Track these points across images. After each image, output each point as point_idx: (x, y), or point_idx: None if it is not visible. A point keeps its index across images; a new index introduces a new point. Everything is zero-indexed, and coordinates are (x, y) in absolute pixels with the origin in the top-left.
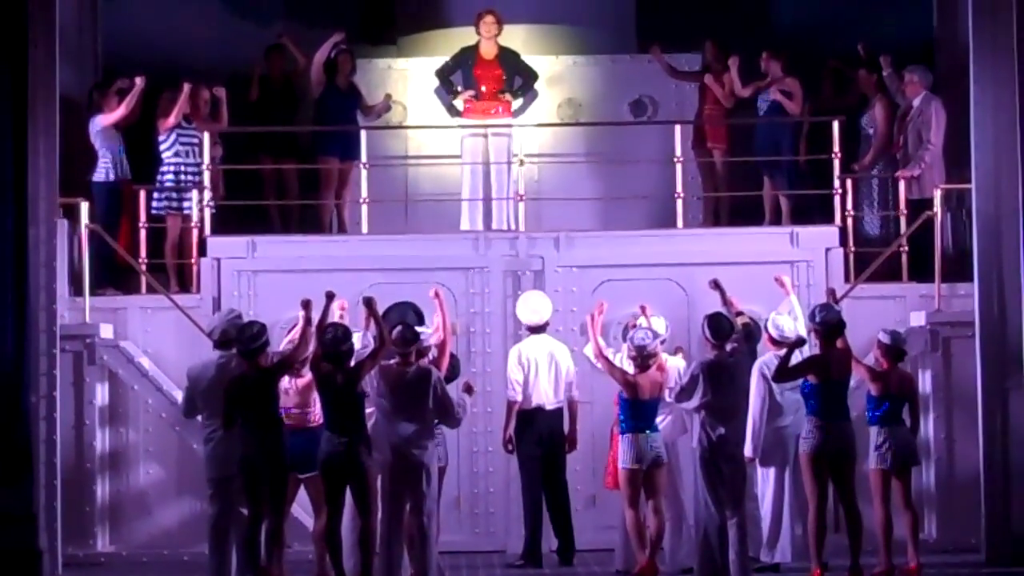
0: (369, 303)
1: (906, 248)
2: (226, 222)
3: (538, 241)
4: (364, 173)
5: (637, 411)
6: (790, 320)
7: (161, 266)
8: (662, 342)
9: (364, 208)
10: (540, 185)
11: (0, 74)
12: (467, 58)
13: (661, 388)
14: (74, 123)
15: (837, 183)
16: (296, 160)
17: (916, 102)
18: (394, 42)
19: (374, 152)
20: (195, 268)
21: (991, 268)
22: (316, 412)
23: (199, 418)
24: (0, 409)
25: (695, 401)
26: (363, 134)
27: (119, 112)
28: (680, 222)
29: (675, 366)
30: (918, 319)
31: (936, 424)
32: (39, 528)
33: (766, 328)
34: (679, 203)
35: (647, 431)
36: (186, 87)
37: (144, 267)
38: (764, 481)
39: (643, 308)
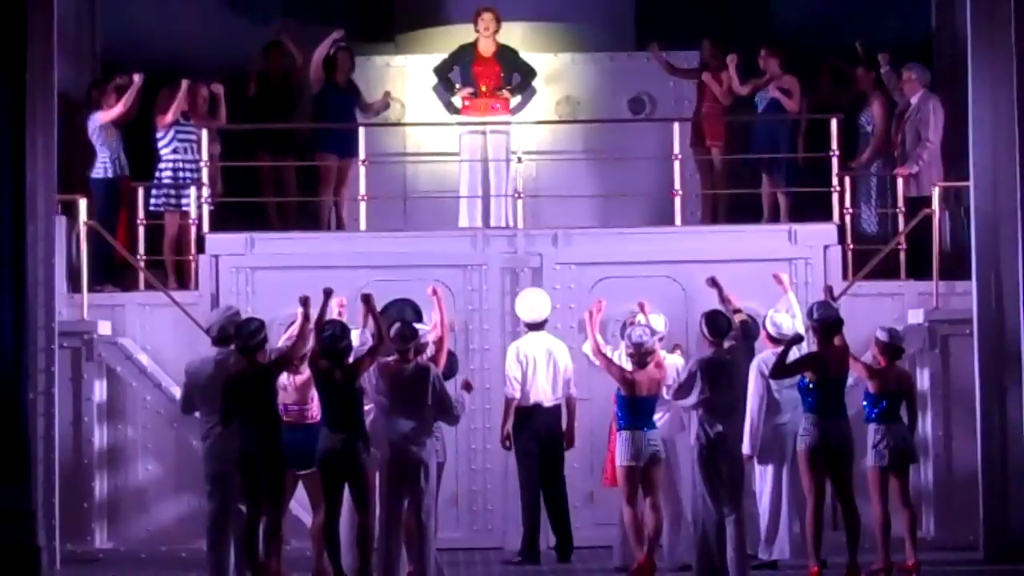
0: (367, 300)
1: (904, 246)
2: (224, 219)
3: (536, 238)
4: (362, 170)
5: (635, 408)
6: (788, 317)
7: (159, 263)
8: (660, 339)
9: (362, 205)
10: (538, 182)
11: None
12: (465, 55)
13: (659, 385)
14: (72, 120)
15: (835, 180)
16: (294, 157)
17: (914, 100)
18: (392, 39)
19: (372, 149)
20: (193, 265)
21: (989, 266)
22: (314, 409)
23: (197, 414)
24: None
25: (693, 398)
26: (361, 131)
27: (117, 109)
28: (678, 219)
29: (673, 363)
30: (916, 316)
31: (934, 421)
32: (37, 524)
33: (764, 325)
34: (677, 200)
35: (645, 428)
36: (184, 84)
37: (142, 264)
38: (762, 478)
39: (641, 305)
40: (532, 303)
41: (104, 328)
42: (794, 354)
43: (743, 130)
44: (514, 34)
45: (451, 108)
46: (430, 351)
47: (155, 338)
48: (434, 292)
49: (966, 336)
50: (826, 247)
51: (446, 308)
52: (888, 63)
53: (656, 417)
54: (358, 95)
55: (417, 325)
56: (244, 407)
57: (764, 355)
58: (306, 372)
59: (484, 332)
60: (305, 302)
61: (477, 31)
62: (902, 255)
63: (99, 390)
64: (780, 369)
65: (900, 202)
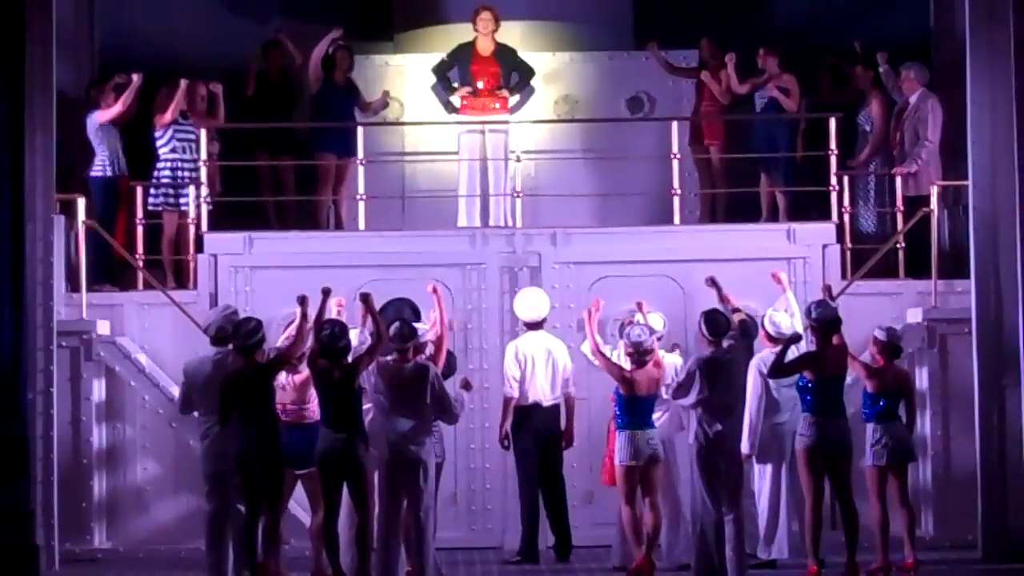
0: (366, 299)
1: (903, 245)
2: (223, 218)
3: (535, 237)
4: (361, 169)
5: (634, 408)
6: (787, 317)
7: (158, 262)
8: (659, 338)
9: (361, 204)
10: (537, 181)
11: None
12: (464, 54)
13: (658, 385)
14: (71, 119)
15: (834, 180)
16: (293, 156)
17: (913, 99)
18: (391, 38)
19: (371, 148)
20: (192, 264)
21: (988, 265)
22: (313, 408)
23: (195, 414)
24: None
25: (692, 398)
26: (360, 130)
27: (116, 108)
28: (677, 218)
29: (672, 363)
30: (914, 316)
31: (932, 421)
32: (36, 524)
33: (763, 325)
34: (676, 200)
35: (644, 428)
36: (183, 83)
37: (141, 263)
38: (761, 477)
39: (640, 304)
40: (531, 302)
41: (103, 327)
42: (792, 353)
43: (742, 129)
44: (513, 33)
45: (449, 107)
46: (429, 350)
47: (154, 338)
48: (434, 290)
49: (965, 335)
50: (824, 246)
51: (445, 307)
52: (887, 62)
53: (655, 416)
54: (357, 94)
55: (416, 324)
56: (242, 407)
57: (763, 354)
58: (305, 371)
59: (483, 331)
60: (303, 301)
61: (476, 30)
62: (901, 254)
63: (98, 390)
64: (778, 368)
65: (899, 201)
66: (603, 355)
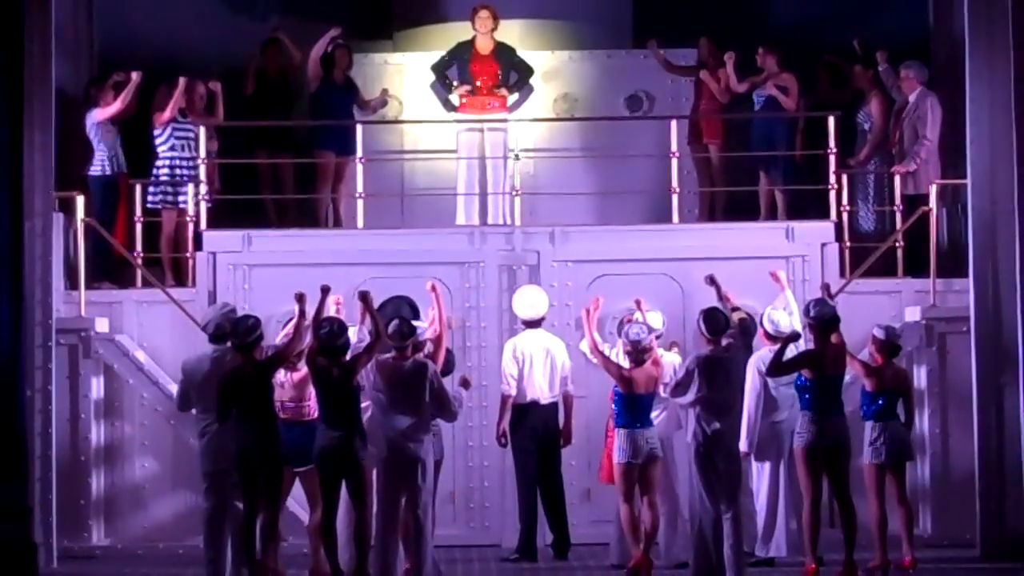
0: (365, 297)
1: (901, 243)
2: (222, 216)
3: (534, 236)
4: (360, 168)
5: (632, 406)
6: (785, 315)
7: (157, 260)
8: (657, 337)
9: (360, 203)
10: (536, 180)
11: None
12: (463, 53)
13: (656, 383)
14: (70, 117)
15: (833, 178)
16: (292, 154)
17: (912, 97)
18: (390, 37)
19: (370, 147)
20: (191, 262)
21: (986, 263)
22: (312, 406)
23: (194, 412)
24: None
25: (690, 396)
26: (359, 129)
27: (115, 106)
28: (676, 217)
29: (670, 361)
30: (913, 314)
31: (931, 419)
32: (34, 521)
33: (761, 323)
34: (675, 198)
35: (642, 426)
36: (182, 81)
37: (140, 261)
38: (759, 476)
39: (638, 303)
40: (529, 300)
41: (101, 325)
42: (791, 352)
43: (741, 128)
44: (512, 31)
45: (448, 105)
46: (428, 348)
47: (152, 335)
48: (433, 288)
49: (963, 334)
50: (823, 245)
51: (444, 305)
52: (886, 61)
53: (653, 415)
54: (356, 92)
55: (415, 322)
56: (241, 404)
57: (761, 353)
58: (303, 369)
59: (481, 329)
60: (301, 299)
61: (475, 28)
62: (899, 253)
63: (96, 387)
64: (777, 366)
65: (897, 200)
66: (602, 353)
